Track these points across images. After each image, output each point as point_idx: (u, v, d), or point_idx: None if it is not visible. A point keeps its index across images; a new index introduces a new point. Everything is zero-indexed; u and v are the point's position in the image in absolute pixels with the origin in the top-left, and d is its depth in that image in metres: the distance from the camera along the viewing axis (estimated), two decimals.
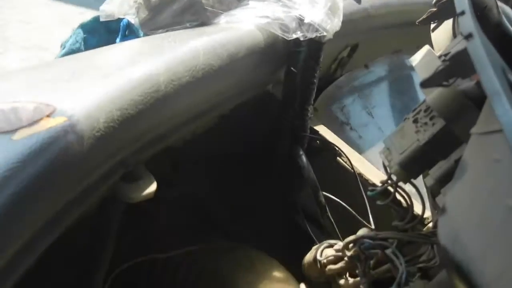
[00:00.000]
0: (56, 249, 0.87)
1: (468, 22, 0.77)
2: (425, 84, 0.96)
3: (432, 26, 1.12)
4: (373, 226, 1.17)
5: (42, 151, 0.78)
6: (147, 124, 0.98)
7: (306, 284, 1.13)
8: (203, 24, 1.24)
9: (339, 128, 1.47)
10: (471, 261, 0.68)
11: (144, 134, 1.00)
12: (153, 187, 0.99)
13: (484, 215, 0.69)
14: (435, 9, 1.09)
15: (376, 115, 1.59)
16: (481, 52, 0.69)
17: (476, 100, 0.83)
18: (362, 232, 1.01)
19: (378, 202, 1.02)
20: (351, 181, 1.28)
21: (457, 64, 0.94)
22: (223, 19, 1.24)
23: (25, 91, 0.90)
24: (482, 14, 1.21)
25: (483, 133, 0.74)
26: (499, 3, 1.26)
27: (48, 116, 0.82)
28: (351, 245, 0.99)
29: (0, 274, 0.75)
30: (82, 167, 0.85)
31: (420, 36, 1.16)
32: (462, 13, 0.80)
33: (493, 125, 0.68)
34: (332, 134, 1.38)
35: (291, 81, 1.28)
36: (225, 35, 1.17)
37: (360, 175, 1.29)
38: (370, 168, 1.33)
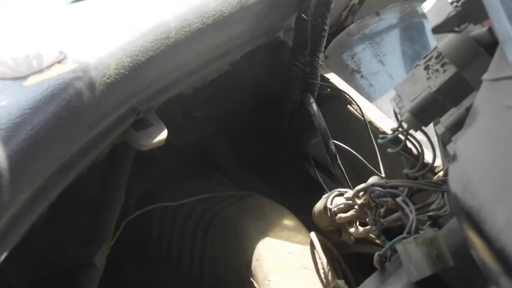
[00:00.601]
0: (68, 197, 0.88)
1: None
2: (437, 29, 0.96)
3: None
4: (383, 174, 1.17)
5: (53, 97, 0.78)
6: (157, 71, 0.98)
7: (316, 232, 1.13)
8: None
9: (349, 76, 1.46)
10: (481, 208, 0.68)
11: (155, 81, 1.00)
12: (163, 134, 0.99)
13: (495, 161, 0.69)
14: None
15: (387, 62, 1.59)
16: None
17: (488, 46, 0.83)
18: (372, 180, 1.00)
19: (389, 150, 1.02)
20: (362, 129, 1.29)
21: (469, 10, 0.93)
22: None
23: (35, 38, 0.90)
24: None
25: (494, 79, 0.74)
26: None
27: (59, 62, 0.82)
28: (361, 193, 0.99)
29: (15, 219, 0.76)
30: (92, 114, 0.86)
31: None
32: None
33: (505, 71, 0.68)
34: (343, 81, 1.38)
35: (301, 28, 1.28)
36: None
37: (371, 123, 1.29)
38: (381, 116, 1.32)
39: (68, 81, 0.80)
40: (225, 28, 1.10)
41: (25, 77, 0.79)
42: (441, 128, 0.93)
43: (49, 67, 0.81)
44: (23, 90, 0.77)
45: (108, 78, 0.86)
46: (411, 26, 1.75)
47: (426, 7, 1.07)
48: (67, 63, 0.83)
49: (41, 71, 0.81)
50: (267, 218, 1.21)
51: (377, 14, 1.63)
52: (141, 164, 1.17)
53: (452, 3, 0.96)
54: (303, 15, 1.26)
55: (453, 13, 0.94)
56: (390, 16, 1.68)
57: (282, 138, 1.35)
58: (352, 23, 1.59)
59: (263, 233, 1.17)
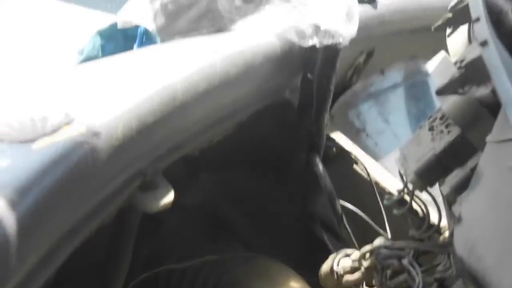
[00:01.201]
0: (74, 260, 0.87)
1: (483, 29, 0.77)
2: (441, 91, 0.97)
3: (448, 31, 1.12)
4: (389, 235, 1.17)
5: (61, 161, 0.78)
6: (164, 133, 0.98)
7: None
8: (219, 30, 1.25)
9: (355, 135, 1.47)
10: (487, 272, 0.68)
11: (162, 143, 1.00)
12: (170, 196, 0.99)
13: (500, 224, 0.69)
14: (450, 15, 1.09)
15: (392, 121, 1.59)
16: (496, 59, 0.70)
17: (492, 107, 0.84)
18: (378, 241, 1.00)
19: (395, 211, 1.02)
20: (368, 189, 1.29)
21: (472, 72, 0.94)
22: (240, 26, 1.25)
23: (44, 100, 0.90)
24: (498, 19, 1.21)
25: (498, 141, 0.74)
26: None
27: (67, 125, 0.83)
28: (367, 255, 0.99)
29: (21, 286, 0.75)
30: (100, 177, 0.86)
31: (436, 41, 1.17)
32: (477, 19, 0.80)
33: (508, 134, 0.69)
34: (349, 141, 1.38)
35: (307, 88, 1.29)
36: (242, 42, 1.18)
37: (377, 183, 1.30)
38: (387, 176, 1.33)
39: (76, 144, 0.81)
40: (232, 89, 1.11)
41: (33, 140, 0.79)
42: (446, 189, 0.93)
43: (57, 130, 0.81)
44: (31, 153, 0.77)
45: (116, 141, 0.86)
46: (416, 85, 1.76)
47: (430, 67, 1.08)
48: (75, 126, 0.83)
49: (49, 134, 0.81)
50: (274, 281, 1.20)
51: (382, 72, 1.64)
52: (147, 226, 1.16)
53: (455, 63, 0.98)
54: (308, 75, 1.27)
55: (457, 75, 0.95)
56: (395, 75, 1.69)
57: (289, 198, 1.34)
58: (357, 81, 1.60)
59: None
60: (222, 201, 1.39)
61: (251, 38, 1.20)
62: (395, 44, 1.62)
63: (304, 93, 1.30)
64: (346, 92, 1.56)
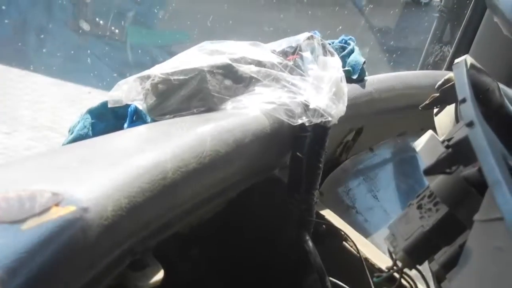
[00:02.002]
0: None
1: (469, 110, 0.79)
2: (428, 171, 0.98)
3: (435, 110, 1.14)
4: None
5: (51, 241, 0.78)
6: (155, 212, 0.98)
7: None
8: (210, 109, 1.26)
9: (345, 211, 1.47)
10: None
11: (152, 221, 1.00)
12: (160, 274, 0.98)
13: None
14: (437, 94, 1.11)
15: (382, 198, 1.60)
16: (482, 140, 0.71)
17: (479, 186, 0.84)
18: None
19: None
20: (358, 266, 1.28)
21: (459, 152, 0.96)
22: (229, 105, 1.26)
23: (33, 179, 0.90)
24: (485, 96, 1.23)
25: (485, 220, 0.75)
26: (501, 86, 1.28)
27: (56, 205, 0.82)
28: None
29: None
30: (90, 256, 0.85)
31: (424, 119, 1.18)
32: (464, 100, 0.82)
33: (494, 213, 0.69)
34: (338, 218, 1.38)
35: (296, 165, 1.29)
36: (232, 120, 1.18)
37: (367, 259, 1.29)
38: (377, 253, 1.33)
39: (66, 224, 0.80)
40: (222, 167, 1.11)
41: (22, 221, 0.78)
42: (435, 266, 0.93)
43: (46, 209, 0.81)
44: (21, 233, 0.77)
45: (105, 220, 0.85)
46: (405, 161, 1.78)
47: (418, 145, 1.09)
48: (65, 205, 0.82)
49: (38, 214, 0.80)
50: None
51: (371, 149, 1.66)
52: None
53: (442, 142, 0.99)
54: (297, 153, 1.28)
55: (444, 155, 0.96)
56: (384, 152, 1.71)
57: (279, 275, 1.33)
58: (346, 159, 1.61)
59: None
60: (213, 278, 1.37)
61: (240, 117, 1.21)
62: (383, 121, 1.65)
63: (293, 171, 1.30)
64: (335, 169, 1.57)
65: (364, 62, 1.54)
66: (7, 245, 0.75)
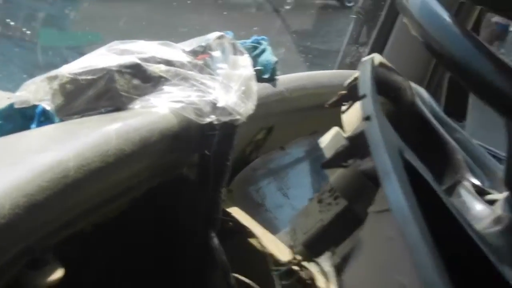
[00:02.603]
0: None
1: (368, 105, 0.82)
2: (325, 165, 1.01)
3: (344, 108, 1.16)
4: None
5: None
6: (55, 210, 0.97)
7: None
8: (118, 109, 1.26)
9: (254, 209, 1.48)
10: None
11: (52, 220, 0.99)
12: (58, 273, 0.97)
13: None
14: (345, 92, 1.13)
15: (292, 196, 1.62)
16: (376, 133, 0.74)
17: (376, 180, 0.87)
18: None
19: (283, 282, 1.04)
20: (263, 261, 1.29)
21: (356, 145, 0.98)
22: (138, 104, 1.26)
23: None
24: (397, 95, 1.26)
25: (378, 211, 0.77)
26: (413, 85, 1.32)
27: None
28: None
29: None
30: None
31: (336, 118, 1.21)
32: (364, 96, 0.85)
33: (385, 204, 0.71)
34: (246, 215, 1.39)
35: (204, 164, 1.30)
36: (139, 119, 1.19)
37: (272, 255, 1.30)
38: (283, 248, 1.34)
39: None
40: (127, 166, 1.12)
41: None
42: (336, 259, 0.95)
43: None
44: None
45: (2, 219, 0.85)
46: (317, 160, 1.79)
47: (323, 142, 1.11)
48: None
49: None
50: None
51: (282, 148, 1.67)
52: None
53: (347, 138, 1.01)
54: (206, 151, 1.29)
55: (341, 149, 0.98)
56: (297, 150, 1.72)
57: (186, 273, 1.35)
58: (257, 157, 1.63)
59: None
60: (119, 278, 1.37)
61: (148, 116, 1.21)
62: (295, 120, 1.67)
63: (201, 169, 1.31)
64: (245, 168, 1.59)
65: (276, 62, 1.55)
66: None
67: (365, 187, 0.91)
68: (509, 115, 0.81)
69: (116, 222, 1.18)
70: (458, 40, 0.84)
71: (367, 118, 0.78)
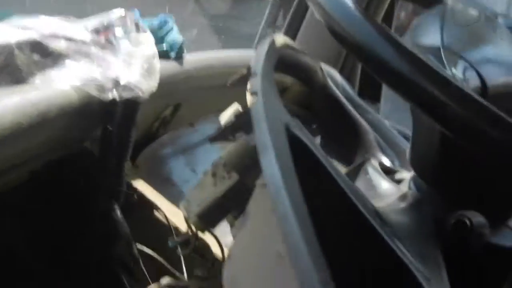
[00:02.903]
0: None
1: (256, 82, 0.81)
2: (213, 139, 1.03)
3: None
4: (185, 274, 1.20)
5: None
6: None
7: None
8: (17, 84, 1.25)
9: (161, 184, 1.50)
10: None
11: None
12: None
13: (258, 261, 0.73)
14: (245, 71, 1.14)
15: (199, 171, 1.62)
16: (260, 108, 0.74)
17: None
18: (164, 280, 1.06)
19: (178, 252, 1.06)
20: (167, 233, 1.32)
21: (242, 121, 1.00)
22: (38, 80, 1.26)
23: None
24: (308, 76, 1.28)
25: (262, 184, 0.78)
26: (325, 67, 1.34)
27: None
28: None
29: None
30: None
31: (243, 95, 1.22)
32: (254, 74, 0.84)
33: None
34: (151, 189, 1.41)
35: (107, 139, 1.32)
36: (37, 94, 1.19)
37: (176, 228, 1.33)
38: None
39: None
40: (24, 139, 1.12)
41: None
42: (234, 230, 0.97)
43: None
44: None
45: None
46: None
47: (223, 118, 1.13)
48: None
49: None
50: None
51: (191, 125, 1.68)
52: None
53: None
54: (108, 126, 1.30)
55: (228, 123, 1.01)
56: (206, 127, 1.72)
57: (91, 244, 1.35)
58: (164, 133, 1.65)
59: None
60: (21, 245, 1.37)
61: (47, 91, 1.21)
62: (203, 98, 1.69)
63: (104, 144, 1.32)
64: (152, 143, 1.61)
65: (183, 41, 1.57)
66: None
67: (254, 161, 0.93)
68: (408, 97, 0.83)
69: (17, 192, 1.19)
70: (359, 24, 0.85)
71: (253, 93, 0.78)
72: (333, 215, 0.77)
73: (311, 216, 0.61)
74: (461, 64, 1.00)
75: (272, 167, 0.64)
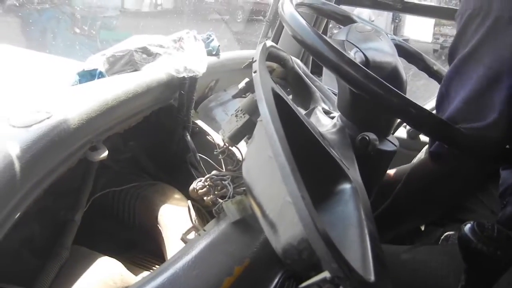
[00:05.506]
0: (58, 185, 0.89)
1: (256, 65, 0.80)
2: (234, 96, 1.05)
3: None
4: (223, 169, 1.19)
5: (48, 133, 0.82)
6: (101, 121, 1.00)
7: (191, 202, 1.16)
8: (135, 70, 1.28)
9: (210, 122, 1.49)
10: (253, 185, 0.73)
11: (100, 126, 1.01)
12: (105, 153, 1.01)
13: (259, 160, 0.74)
14: (253, 59, 1.15)
15: (229, 114, 1.61)
16: (257, 78, 0.74)
17: None
18: (213, 172, 1.06)
19: (219, 157, 1.08)
20: (213, 147, 1.33)
21: (250, 86, 1.02)
22: (145, 67, 1.28)
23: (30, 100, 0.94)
24: (284, 63, 1.28)
25: (260, 120, 0.78)
26: (293, 58, 1.31)
27: (48, 118, 0.87)
28: (208, 179, 1.04)
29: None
30: (69, 143, 0.90)
31: (251, 73, 1.19)
32: (255, 61, 0.83)
33: None
34: (205, 125, 1.42)
35: (181, 98, 1.33)
36: (145, 75, 1.20)
37: (218, 145, 1.34)
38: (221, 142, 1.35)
39: (53, 127, 0.85)
40: (139, 99, 1.14)
41: (29, 126, 0.83)
42: (248, 145, 0.98)
43: (42, 120, 0.86)
44: (30, 131, 0.81)
45: (74, 125, 0.90)
46: None
47: (240, 85, 1.14)
48: (54, 118, 0.87)
49: (40, 122, 0.85)
50: (166, 194, 1.23)
51: (225, 90, 1.68)
52: (100, 169, 1.17)
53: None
54: (182, 91, 1.32)
55: (242, 87, 1.02)
56: (232, 91, 1.69)
57: (174, 154, 1.36)
58: (211, 95, 1.65)
59: (164, 202, 1.19)
60: (141, 155, 1.39)
61: (150, 73, 1.23)
62: (231, 76, 1.67)
63: (179, 101, 1.33)
64: (205, 100, 1.61)
65: (219, 46, 1.57)
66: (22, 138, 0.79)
67: (257, 108, 0.91)
68: (331, 69, 0.84)
69: (136, 128, 1.20)
70: (309, 35, 0.88)
71: (254, 72, 0.78)
72: (298, 136, 0.74)
73: (286, 136, 0.60)
74: (354, 50, 1.02)
75: (265, 110, 0.64)
